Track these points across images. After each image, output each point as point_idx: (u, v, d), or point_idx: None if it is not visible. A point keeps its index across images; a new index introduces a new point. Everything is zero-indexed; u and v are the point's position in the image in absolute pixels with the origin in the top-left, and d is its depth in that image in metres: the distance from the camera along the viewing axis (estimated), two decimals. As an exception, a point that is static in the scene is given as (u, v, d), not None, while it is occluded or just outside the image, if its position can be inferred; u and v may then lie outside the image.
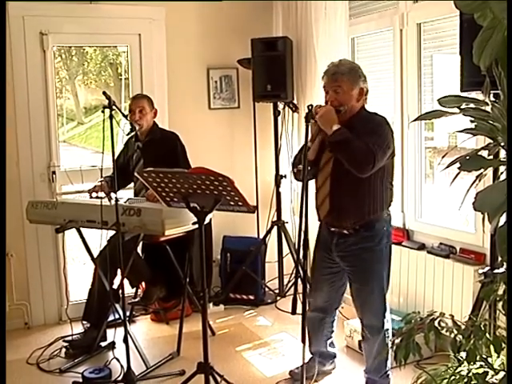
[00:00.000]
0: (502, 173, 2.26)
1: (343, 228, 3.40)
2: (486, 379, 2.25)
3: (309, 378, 3.68)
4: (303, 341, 3.10)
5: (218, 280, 5.40)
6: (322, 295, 3.63)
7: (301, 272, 3.09)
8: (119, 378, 3.83)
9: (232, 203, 3.28)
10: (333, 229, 3.46)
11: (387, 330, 3.50)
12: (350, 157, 3.15)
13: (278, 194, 5.24)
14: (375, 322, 3.49)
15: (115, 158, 3.55)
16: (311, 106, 3.18)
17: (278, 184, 5.21)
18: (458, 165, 2.04)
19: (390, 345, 3.52)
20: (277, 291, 5.37)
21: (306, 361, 3.55)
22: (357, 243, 3.37)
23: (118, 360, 4.00)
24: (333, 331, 3.85)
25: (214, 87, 5.41)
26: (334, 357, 3.94)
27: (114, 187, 3.64)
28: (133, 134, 4.34)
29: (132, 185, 4.66)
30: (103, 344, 4.38)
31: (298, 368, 3.84)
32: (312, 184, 3.48)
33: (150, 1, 4.98)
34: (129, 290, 4.69)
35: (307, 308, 3.49)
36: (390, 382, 3.59)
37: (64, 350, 4.34)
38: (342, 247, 3.44)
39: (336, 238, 3.45)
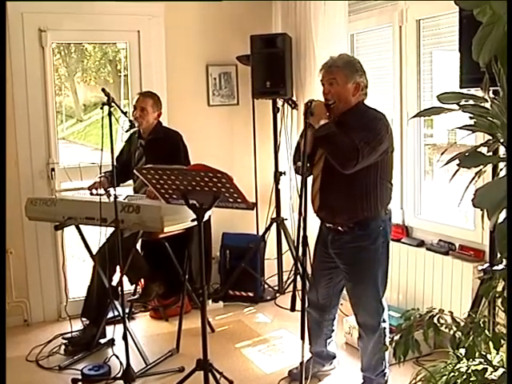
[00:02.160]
0: (501, 169, 2.26)
1: (337, 225, 3.39)
2: (485, 376, 2.25)
3: (306, 378, 3.68)
4: (302, 338, 3.10)
5: (218, 277, 5.40)
6: (320, 291, 3.61)
7: (300, 269, 3.09)
8: (118, 375, 3.83)
9: (231, 200, 3.27)
10: (328, 224, 3.45)
11: (384, 329, 3.48)
12: (333, 152, 3.13)
13: (278, 191, 5.24)
14: (370, 321, 3.48)
15: (117, 154, 3.55)
16: (310, 102, 3.18)
17: (277, 181, 5.21)
18: (457, 161, 2.04)
19: (387, 344, 3.50)
20: (276, 288, 5.37)
21: (304, 359, 3.60)
22: (351, 241, 3.36)
23: (117, 357, 3.99)
24: (333, 330, 3.82)
25: (213, 84, 5.40)
26: (334, 357, 3.92)
27: (114, 183, 3.63)
28: (135, 129, 4.33)
29: (131, 182, 4.66)
30: (102, 341, 4.38)
31: (296, 368, 3.82)
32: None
33: (150, 0, 4.97)
34: (128, 286, 4.69)
35: (306, 305, 3.50)
36: (388, 381, 3.59)
37: (63, 346, 4.34)
38: (337, 244, 3.43)
39: (332, 235, 3.44)
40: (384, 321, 3.50)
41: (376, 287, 3.42)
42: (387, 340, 3.52)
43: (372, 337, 3.48)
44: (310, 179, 3.43)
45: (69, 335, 4.38)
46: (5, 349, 3.16)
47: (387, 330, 3.52)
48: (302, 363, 3.04)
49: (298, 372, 3.77)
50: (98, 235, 4.03)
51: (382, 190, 3.33)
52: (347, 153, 3.07)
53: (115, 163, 3.69)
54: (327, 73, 3.32)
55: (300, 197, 2.97)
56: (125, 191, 4.49)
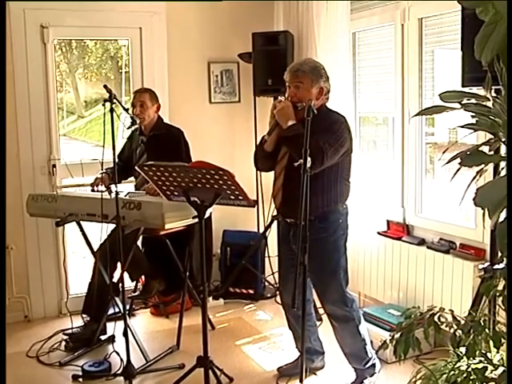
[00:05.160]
0: (502, 168, 2.26)
1: (298, 219, 3.41)
2: (486, 374, 2.25)
3: (297, 374, 3.71)
4: (302, 335, 3.10)
5: (218, 274, 5.41)
6: (290, 289, 3.67)
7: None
8: (119, 372, 3.83)
9: (232, 197, 3.28)
10: (289, 220, 3.53)
11: (356, 318, 3.59)
12: (299, 152, 3.14)
13: (279, 189, 5.23)
14: (337, 310, 3.58)
15: (119, 151, 3.54)
16: (310, 99, 3.18)
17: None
18: (458, 160, 2.04)
19: (365, 333, 3.64)
20: (277, 285, 5.37)
21: (295, 358, 3.67)
22: (312, 234, 3.35)
23: (117, 353, 4.00)
24: (314, 325, 3.88)
25: (215, 81, 5.40)
26: (323, 353, 3.94)
27: (115, 180, 3.63)
28: (137, 126, 4.33)
29: (133, 179, 4.66)
30: (103, 337, 4.39)
31: (286, 365, 3.91)
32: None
33: (151, 0, 4.98)
34: (129, 283, 4.70)
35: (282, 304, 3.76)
36: (378, 370, 3.69)
37: (64, 343, 4.35)
38: (298, 238, 3.44)
39: (293, 230, 3.49)
40: (355, 310, 3.60)
41: (338, 277, 3.53)
42: (363, 329, 3.63)
43: (345, 326, 3.59)
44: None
45: (69, 331, 4.38)
46: (5, 345, 3.17)
47: (361, 319, 3.64)
48: (302, 362, 3.04)
49: (286, 368, 3.84)
50: (99, 232, 4.03)
51: (342, 187, 3.50)
52: (313, 154, 3.10)
53: (117, 160, 3.70)
54: (293, 76, 3.46)
55: (301, 195, 2.96)
56: (126, 188, 4.49)
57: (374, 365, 3.68)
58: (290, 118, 3.30)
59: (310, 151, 3.08)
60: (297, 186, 3.31)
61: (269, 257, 5.20)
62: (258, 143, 3.70)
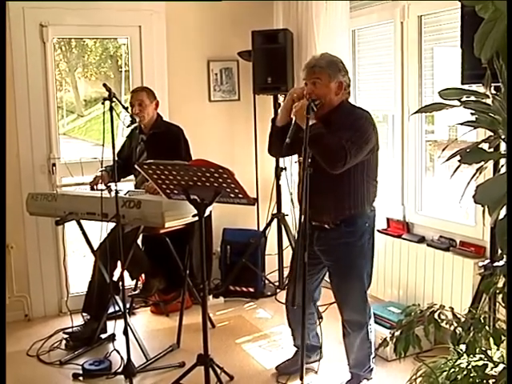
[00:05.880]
0: (502, 166, 2.27)
1: (324, 223, 3.39)
2: (486, 372, 2.26)
3: (295, 372, 3.72)
4: (302, 333, 3.10)
5: (218, 272, 5.40)
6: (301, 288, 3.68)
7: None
8: (119, 370, 3.83)
9: (232, 195, 3.28)
10: (314, 223, 3.43)
11: (368, 326, 3.52)
12: (321, 152, 3.11)
13: (278, 187, 5.24)
14: (356, 317, 3.50)
15: (119, 149, 3.54)
16: (313, 100, 3.15)
17: (278, 176, 5.21)
18: (458, 158, 2.04)
19: (372, 340, 3.57)
20: (277, 284, 5.38)
21: (292, 355, 3.67)
22: (338, 238, 3.37)
23: (118, 352, 4.00)
24: (314, 323, 3.85)
25: (215, 79, 5.40)
26: (320, 347, 3.93)
27: (115, 178, 3.63)
28: (136, 125, 4.33)
29: (132, 177, 4.66)
30: (103, 336, 4.39)
31: (283, 363, 3.90)
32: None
33: (152, 0, 4.97)
34: (129, 282, 4.70)
35: (286, 301, 3.70)
36: (373, 373, 3.65)
37: (64, 341, 4.35)
38: (322, 241, 3.43)
39: (317, 232, 3.44)
40: (370, 317, 3.55)
41: (362, 283, 3.46)
42: (372, 337, 3.57)
43: (359, 333, 3.51)
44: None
45: (70, 330, 4.38)
46: (5, 344, 3.17)
47: (372, 327, 3.56)
48: (303, 359, 3.04)
49: (284, 366, 3.85)
50: (99, 230, 4.03)
51: (368, 188, 3.37)
52: (334, 153, 3.07)
53: (116, 158, 3.69)
54: (310, 73, 3.32)
55: (302, 193, 2.96)
56: (126, 186, 4.49)
57: (371, 370, 3.64)
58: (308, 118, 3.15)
59: (331, 151, 3.06)
60: (324, 189, 3.27)
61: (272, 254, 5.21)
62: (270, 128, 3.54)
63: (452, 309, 2.38)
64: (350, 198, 3.30)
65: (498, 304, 2.90)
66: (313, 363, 3.90)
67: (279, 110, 3.42)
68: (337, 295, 3.54)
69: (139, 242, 4.62)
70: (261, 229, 5.31)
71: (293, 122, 3.18)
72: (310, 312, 3.76)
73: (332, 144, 3.08)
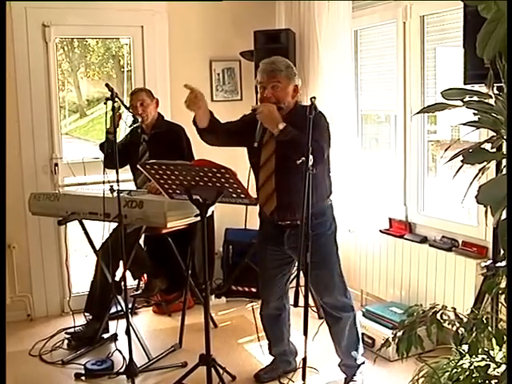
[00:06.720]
0: (504, 166, 2.26)
1: (296, 220, 3.40)
2: (488, 372, 2.25)
3: (274, 379, 3.76)
4: (305, 333, 3.10)
5: (220, 272, 5.40)
6: (275, 291, 3.72)
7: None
8: (121, 370, 3.84)
9: (234, 195, 3.28)
10: (283, 223, 3.47)
11: (354, 308, 3.62)
12: (301, 154, 3.02)
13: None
14: (343, 299, 3.59)
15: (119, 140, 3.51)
16: (312, 100, 3.15)
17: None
18: (460, 158, 2.04)
19: (358, 325, 3.67)
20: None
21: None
22: (311, 231, 3.38)
23: (120, 352, 4.00)
24: (290, 325, 3.87)
25: (217, 79, 5.40)
26: (297, 352, 3.93)
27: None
28: (138, 124, 4.33)
29: (133, 177, 4.66)
30: (105, 336, 4.40)
31: (261, 370, 3.88)
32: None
33: (153, 0, 4.97)
34: (131, 281, 4.70)
35: (261, 310, 3.80)
36: (364, 368, 3.69)
37: (66, 341, 4.36)
38: (295, 238, 3.36)
39: (288, 231, 3.46)
40: (352, 299, 3.65)
41: (339, 268, 3.57)
42: (358, 324, 3.66)
43: (348, 317, 3.59)
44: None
45: (72, 330, 4.39)
46: (5, 343, 3.17)
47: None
48: (305, 358, 3.03)
49: (263, 374, 3.85)
50: (101, 230, 4.03)
51: (329, 180, 3.52)
52: (315, 152, 3.06)
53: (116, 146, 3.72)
54: (270, 77, 3.37)
55: (303, 193, 2.96)
56: (128, 186, 4.50)
57: (363, 362, 3.69)
58: (279, 121, 3.19)
59: (312, 150, 3.06)
60: (292, 188, 3.31)
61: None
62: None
63: (454, 309, 2.38)
64: (317, 191, 3.33)
65: (500, 304, 2.90)
66: (293, 370, 3.85)
67: (195, 115, 3.45)
68: (319, 286, 3.57)
69: (141, 242, 4.62)
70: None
71: (259, 125, 3.25)
72: (287, 313, 3.83)
73: (311, 144, 3.09)
